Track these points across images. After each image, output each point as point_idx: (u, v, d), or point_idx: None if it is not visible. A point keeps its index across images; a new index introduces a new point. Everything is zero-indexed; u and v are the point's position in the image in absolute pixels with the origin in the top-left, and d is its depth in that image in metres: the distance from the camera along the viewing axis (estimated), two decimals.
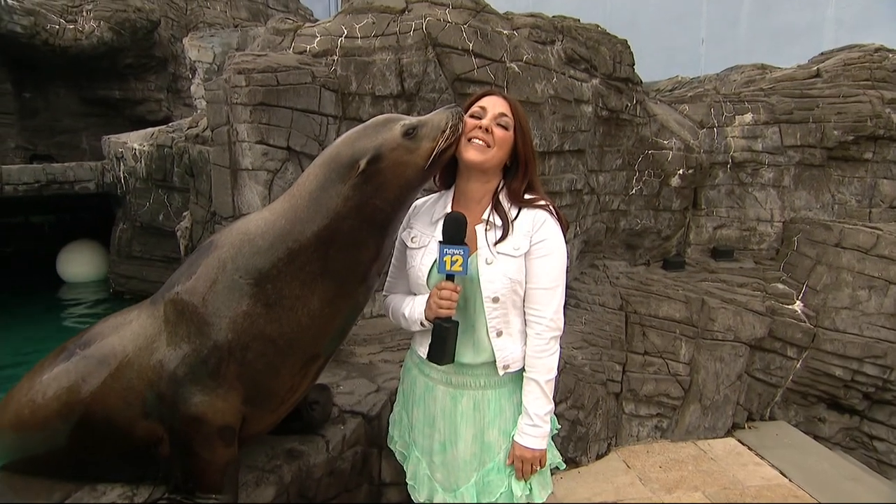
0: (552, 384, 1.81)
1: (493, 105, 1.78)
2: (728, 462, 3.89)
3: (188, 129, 4.43)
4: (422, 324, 1.79)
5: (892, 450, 4.55)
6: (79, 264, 6.71)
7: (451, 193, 1.87)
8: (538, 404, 1.79)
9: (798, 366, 4.49)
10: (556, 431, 2.02)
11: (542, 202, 1.81)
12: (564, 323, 1.86)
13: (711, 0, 10.27)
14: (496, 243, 1.74)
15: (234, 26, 8.24)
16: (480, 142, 1.74)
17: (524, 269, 1.75)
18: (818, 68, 6.06)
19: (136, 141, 5.26)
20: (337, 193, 1.73)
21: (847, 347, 4.44)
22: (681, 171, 4.87)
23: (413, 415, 1.98)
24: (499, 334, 1.79)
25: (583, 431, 3.70)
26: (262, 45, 3.49)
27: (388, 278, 2.02)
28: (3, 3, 7.36)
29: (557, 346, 1.81)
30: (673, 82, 7.76)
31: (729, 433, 4.24)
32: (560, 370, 3.54)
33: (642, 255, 4.99)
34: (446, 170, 1.88)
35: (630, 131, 4.62)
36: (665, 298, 4.27)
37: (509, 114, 1.77)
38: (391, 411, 2.17)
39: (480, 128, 1.73)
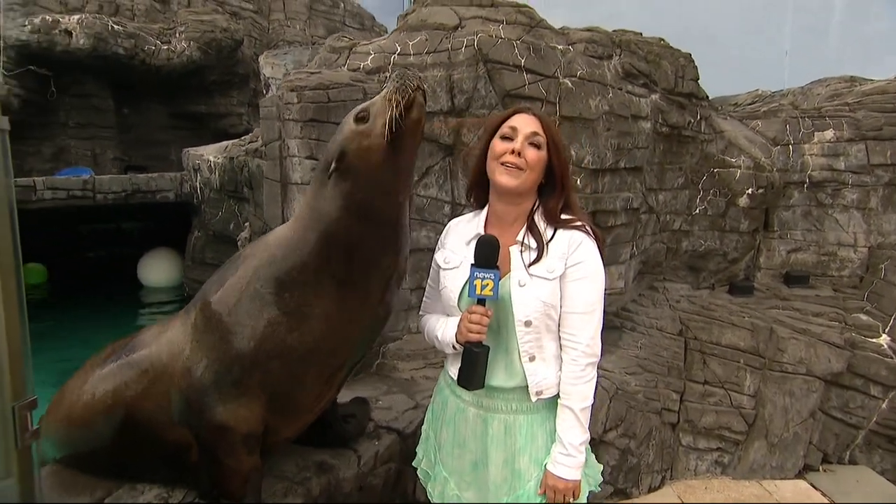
0: (588, 412, 1.71)
1: (524, 124, 1.71)
2: None
3: (249, 143, 4.60)
4: (453, 347, 1.74)
5: None
6: (157, 270, 7.09)
7: (484, 213, 1.81)
8: (573, 433, 1.70)
9: (884, 406, 4.09)
10: (598, 488, 1.90)
11: (579, 222, 1.73)
12: (602, 349, 1.76)
13: (797, 8, 9.67)
14: (530, 265, 1.67)
15: (312, 44, 8.51)
16: (511, 165, 1.67)
17: (559, 292, 1.67)
18: None
19: (211, 153, 5.50)
20: (325, 197, 1.76)
21: None
22: (750, 191, 4.59)
23: (441, 435, 1.92)
24: (531, 359, 1.71)
25: (634, 462, 3.53)
26: (319, 63, 3.56)
27: (424, 298, 1.98)
28: (109, 27, 7.94)
29: (594, 373, 1.71)
30: (752, 96, 7.37)
31: (800, 475, 3.93)
32: (611, 396, 3.44)
33: (706, 278, 4.73)
34: (480, 188, 1.83)
35: (693, 148, 4.41)
36: (729, 325, 4.02)
37: (541, 132, 1.70)
38: None
39: (513, 151, 1.67)
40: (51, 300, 7.38)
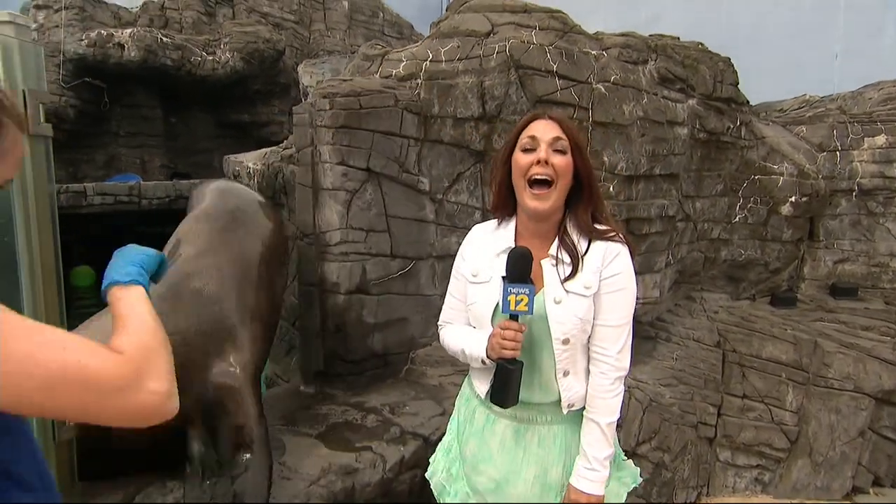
0: (614, 427, 1.67)
1: (544, 131, 1.62)
2: None
3: (283, 149, 4.67)
4: (483, 362, 1.67)
5: None
6: None
7: (512, 224, 1.73)
8: (598, 447, 1.65)
9: None
10: (635, 485, 1.86)
11: (612, 232, 1.66)
12: (632, 360, 1.71)
13: (848, 9, 9.29)
14: (565, 280, 1.61)
15: (350, 53, 8.64)
16: (542, 176, 1.59)
17: (593, 307, 1.62)
18: None
19: (250, 160, 5.60)
20: None
21: None
22: (793, 199, 4.44)
23: (467, 448, 1.84)
24: (565, 374, 1.66)
25: (668, 476, 3.44)
26: (352, 71, 3.61)
27: (444, 308, 1.90)
28: (158, 40, 8.23)
29: (622, 388, 1.67)
30: (799, 102, 7.15)
31: (848, 496, 3.77)
32: (645, 408, 3.37)
33: (746, 288, 4.59)
34: (505, 195, 1.72)
35: (733, 154, 4.29)
36: (770, 338, 3.90)
37: (563, 136, 1.62)
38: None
39: (539, 162, 1.58)
40: (99, 301, 7.65)
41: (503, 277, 1.60)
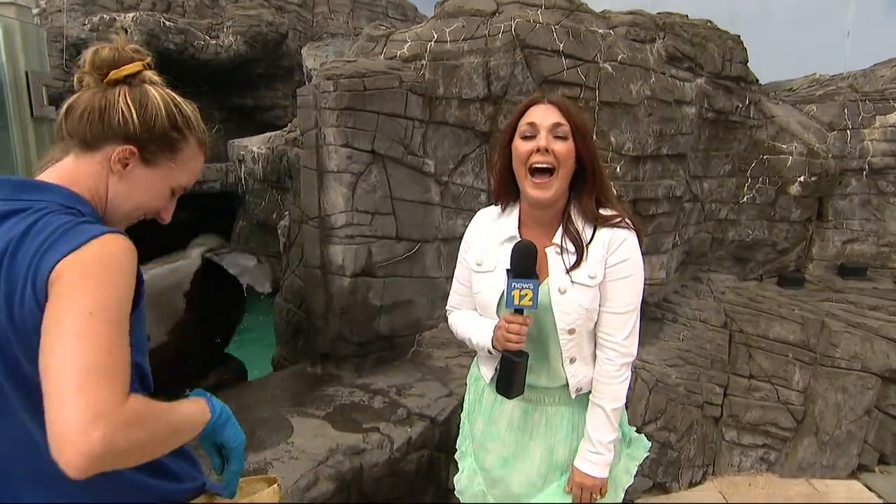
0: (619, 412, 1.68)
1: (543, 117, 1.56)
2: None
3: (288, 133, 4.66)
4: (489, 351, 1.66)
5: None
6: None
7: (516, 212, 1.70)
8: (603, 431, 1.66)
9: None
10: (647, 455, 1.89)
11: (618, 217, 1.62)
12: (639, 345, 1.70)
13: None
14: (570, 270, 1.59)
15: (354, 35, 8.57)
16: (542, 164, 1.55)
17: (599, 295, 1.60)
18: None
19: (255, 144, 5.59)
20: None
21: None
22: (802, 179, 4.40)
23: (476, 426, 1.87)
24: (572, 361, 1.66)
25: (674, 456, 3.45)
26: (356, 52, 3.58)
27: (451, 293, 1.89)
28: (161, 24, 8.18)
29: (629, 374, 1.66)
30: (809, 81, 7.06)
31: (853, 475, 3.76)
32: (651, 388, 3.37)
33: (754, 269, 4.57)
34: (506, 182, 1.68)
35: (742, 134, 4.25)
36: (777, 318, 3.87)
37: (563, 120, 1.56)
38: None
39: (538, 150, 1.53)
40: None
41: (507, 271, 1.57)
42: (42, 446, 0.96)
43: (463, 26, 3.37)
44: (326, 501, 2.22)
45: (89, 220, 1.09)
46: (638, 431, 1.93)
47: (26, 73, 1.78)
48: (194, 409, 1.15)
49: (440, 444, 2.66)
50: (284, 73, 8.78)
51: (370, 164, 3.03)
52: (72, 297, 0.94)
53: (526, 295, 1.51)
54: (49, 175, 1.12)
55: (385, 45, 3.43)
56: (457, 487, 1.96)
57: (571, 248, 1.59)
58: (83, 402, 0.89)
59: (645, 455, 1.87)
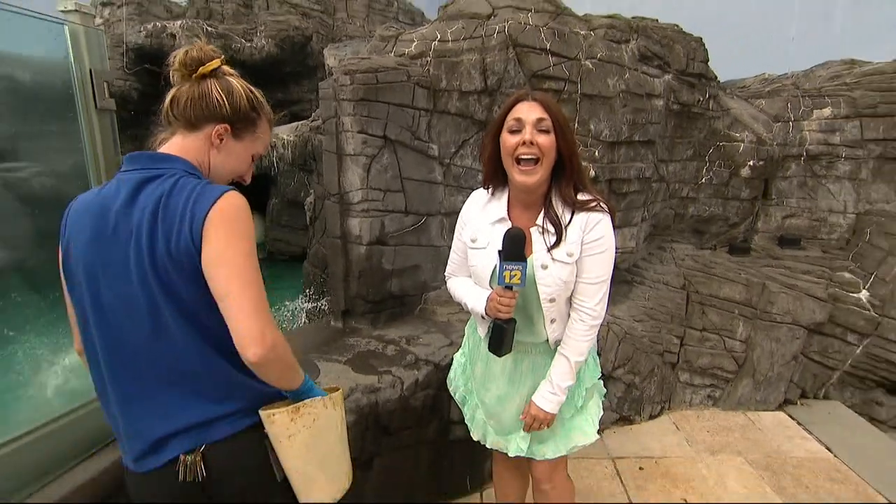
0: (580, 364, 1.68)
1: (528, 112, 1.53)
2: (774, 433, 3.46)
3: (312, 121, 4.54)
4: (482, 317, 1.67)
5: None
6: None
7: (505, 194, 1.67)
8: (563, 377, 1.67)
9: (858, 351, 3.88)
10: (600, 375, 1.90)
11: (594, 202, 1.58)
12: (609, 306, 1.71)
13: None
14: (551, 248, 1.57)
15: (369, 37, 8.35)
16: (528, 156, 1.52)
17: (576, 269, 1.59)
18: None
19: (284, 132, 5.47)
20: None
21: None
22: (751, 163, 4.30)
23: (476, 369, 1.90)
24: (552, 322, 1.66)
25: (637, 394, 3.45)
26: (370, 50, 3.44)
27: (449, 262, 1.88)
28: (204, 29, 7.95)
29: (594, 334, 1.66)
30: (759, 80, 6.89)
31: (780, 408, 3.77)
32: (620, 339, 3.33)
33: (709, 239, 4.50)
34: (494, 169, 1.65)
35: (702, 124, 4.13)
36: (727, 280, 3.83)
37: (546, 115, 1.52)
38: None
39: (524, 143, 1.51)
40: None
41: (499, 252, 1.55)
42: (182, 352, 1.14)
43: (462, 27, 3.23)
44: (348, 429, 2.20)
45: (208, 181, 1.21)
46: (608, 376, 1.94)
47: (90, 71, 1.76)
48: (300, 373, 1.27)
49: (442, 384, 2.62)
50: (309, 71, 8.58)
51: (382, 148, 2.94)
52: (230, 241, 1.09)
53: (515, 275, 1.52)
54: (166, 150, 1.22)
55: (395, 44, 3.30)
56: (466, 417, 1.99)
57: (552, 229, 1.57)
58: (260, 319, 1.09)
59: (597, 378, 1.89)
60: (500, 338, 1.59)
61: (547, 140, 1.52)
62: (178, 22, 8.00)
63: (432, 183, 3.17)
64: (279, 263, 6.12)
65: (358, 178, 2.89)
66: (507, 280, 1.53)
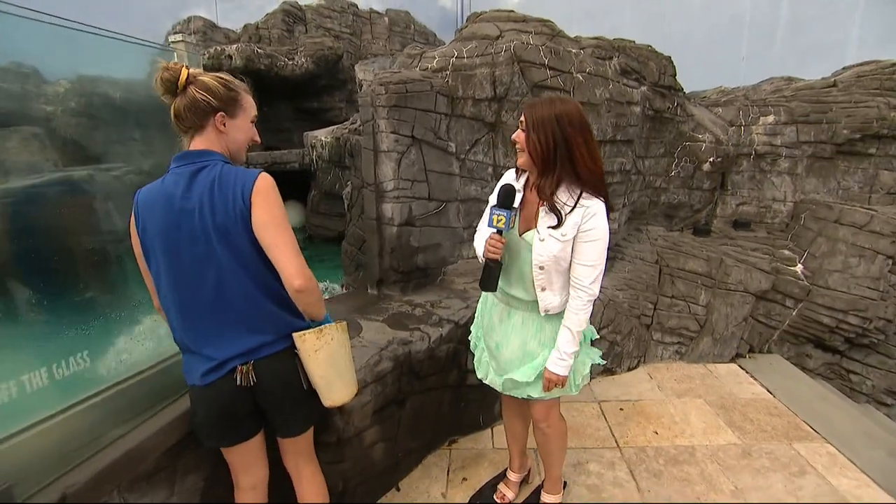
0: (580, 334, 1.67)
1: (521, 116, 1.61)
2: (727, 380, 3.49)
3: (351, 123, 4.51)
4: (481, 260, 1.71)
5: (863, 381, 3.97)
6: (290, 216, 7.18)
7: (525, 175, 1.70)
8: (567, 345, 1.67)
9: (794, 314, 3.91)
10: (593, 339, 1.89)
11: (593, 199, 1.55)
12: (601, 289, 1.76)
13: (752, 24, 8.77)
14: (549, 226, 1.57)
15: (391, 55, 8.26)
16: (517, 146, 1.60)
17: (570, 249, 1.57)
18: (835, 80, 5.05)
19: (322, 135, 5.43)
20: None
21: (835, 302, 3.81)
22: (711, 159, 4.26)
23: (483, 320, 1.93)
24: (543, 289, 1.65)
25: (618, 350, 3.47)
26: (399, 65, 3.41)
27: (480, 223, 1.91)
28: (254, 51, 7.85)
29: (591, 308, 1.65)
30: (717, 92, 6.81)
31: (732, 360, 3.80)
32: (605, 305, 3.34)
33: (677, 223, 4.49)
34: None
35: (671, 127, 4.10)
36: (692, 256, 3.83)
37: (523, 118, 1.58)
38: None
39: (514, 137, 1.62)
40: None
41: (492, 206, 1.63)
42: (238, 295, 1.27)
43: (476, 46, 3.19)
44: (387, 373, 2.22)
45: (243, 167, 1.33)
46: (596, 336, 1.94)
47: None
48: (324, 306, 1.41)
49: (461, 339, 2.65)
50: (340, 84, 8.51)
51: (410, 145, 2.92)
52: (271, 207, 1.25)
53: (500, 219, 1.58)
54: (198, 146, 1.32)
55: (420, 60, 3.26)
56: (474, 359, 2.02)
57: (553, 212, 1.57)
58: (300, 260, 1.25)
59: (597, 360, 1.86)
60: (488, 276, 1.65)
61: (522, 136, 1.58)
62: (234, 46, 7.90)
63: (451, 175, 3.16)
64: (318, 245, 6.14)
65: (391, 171, 2.87)
66: (494, 223, 1.59)
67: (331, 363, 1.39)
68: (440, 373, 2.53)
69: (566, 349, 1.67)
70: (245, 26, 8.59)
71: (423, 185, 3.02)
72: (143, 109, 1.68)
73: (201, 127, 1.31)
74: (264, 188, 1.25)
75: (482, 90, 3.10)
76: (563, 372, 1.68)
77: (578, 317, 1.64)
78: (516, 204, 1.70)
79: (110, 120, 1.64)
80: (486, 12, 3.51)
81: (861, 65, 5.33)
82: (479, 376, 1.99)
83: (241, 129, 1.36)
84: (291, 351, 1.38)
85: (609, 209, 1.60)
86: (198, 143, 1.32)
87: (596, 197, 1.57)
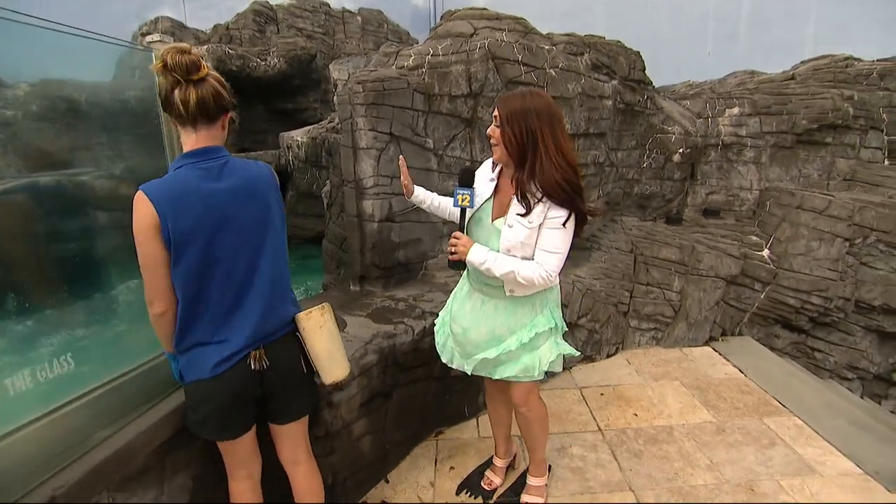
0: (505, 276, 1.65)
1: (495, 111, 1.66)
2: (702, 363, 3.63)
3: (328, 122, 4.49)
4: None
5: (826, 358, 4.18)
6: None
7: (500, 167, 1.76)
8: (501, 262, 1.63)
9: (762, 296, 4.08)
10: (564, 330, 1.92)
11: (560, 205, 1.57)
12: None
13: (717, 20, 9.10)
14: (517, 213, 1.62)
15: (365, 54, 8.22)
16: (492, 140, 1.65)
17: (535, 235, 1.61)
18: (794, 73, 5.30)
19: (298, 135, 5.40)
20: None
21: (799, 283, 4.00)
22: (681, 150, 4.41)
23: (454, 305, 1.98)
24: None
25: (597, 338, 3.56)
26: (375, 64, 3.42)
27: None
28: (226, 52, 7.70)
29: (537, 283, 1.64)
30: (685, 86, 7.03)
31: (706, 343, 3.94)
32: (583, 294, 3.43)
33: (650, 213, 4.62)
34: None
35: (642, 120, 4.22)
36: (665, 245, 3.95)
37: (497, 113, 1.63)
38: None
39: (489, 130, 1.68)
40: None
41: (455, 186, 1.69)
42: (274, 265, 1.40)
43: (451, 44, 3.23)
44: (373, 365, 2.25)
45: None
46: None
47: None
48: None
49: None
50: (314, 84, 8.43)
51: (389, 142, 2.95)
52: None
53: (465, 199, 1.65)
54: (207, 143, 1.32)
55: (396, 58, 3.29)
56: (436, 343, 2.06)
57: (522, 202, 1.61)
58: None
59: (568, 351, 1.87)
60: (456, 266, 1.72)
61: (495, 131, 1.62)
62: (205, 46, 7.73)
63: (429, 170, 3.19)
64: (298, 245, 6.08)
65: (370, 167, 2.89)
66: (459, 202, 1.66)
67: (333, 337, 1.52)
68: (425, 364, 2.56)
69: (488, 257, 1.62)
70: (215, 27, 8.42)
71: None
72: (111, 113, 1.65)
73: (213, 120, 1.30)
74: (273, 175, 1.43)
75: (458, 87, 3.15)
76: (471, 253, 1.64)
77: (525, 273, 1.59)
78: (477, 185, 1.76)
79: (76, 124, 1.60)
80: (459, 10, 3.55)
81: (817, 59, 5.61)
82: (443, 360, 2.03)
83: (227, 133, 1.41)
84: (293, 335, 1.49)
85: (580, 217, 1.60)
86: (207, 138, 1.31)
87: (559, 207, 1.57)
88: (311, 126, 5.42)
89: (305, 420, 1.59)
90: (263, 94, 8.35)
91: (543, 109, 1.57)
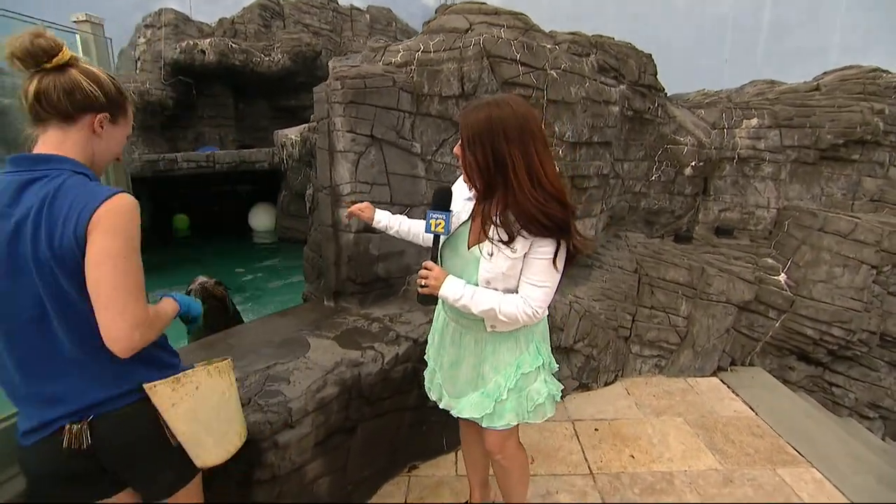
0: (491, 318, 1.43)
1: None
2: (709, 396, 3.29)
3: (311, 121, 4.24)
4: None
5: (846, 394, 3.82)
6: (260, 219, 6.90)
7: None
8: (476, 302, 1.38)
9: (777, 325, 3.74)
10: (554, 369, 1.68)
11: (552, 241, 1.32)
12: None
13: (735, 28, 8.72)
14: (499, 241, 1.35)
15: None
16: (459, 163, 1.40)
17: (519, 265, 1.37)
18: (818, 83, 4.92)
19: (292, 133, 5.17)
20: None
21: (819, 313, 3.64)
22: (693, 163, 4.07)
23: (435, 339, 1.78)
24: None
25: (595, 364, 3.25)
26: (362, 59, 3.14)
27: None
28: (229, 46, 7.53)
29: (521, 319, 1.39)
30: (699, 95, 6.67)
31: (714, 374, 3.60)
32: (581, 316, 3.11)
33: (658, 229, 4.29)
34: None
35: (652, 129, 3.89)
36: (672, 265, 3.63)
37: (461, 132, 1.34)
38: None
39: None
40: (193, 240, 7.36)
41: (429, 210, 1.44)
42: (64, 344, 1.00)
43: (443, 40, 2.95)
44: (332, 399, 1.97)
45: (96, 180, 1.03)
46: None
47: None
48: (171, 306, 1.20)
49: (420, 358, 2.40)
50: (319, 81, 8.17)
51: (369, 145, 2.67)
52: (113, 241, 0.94)
53: (440, 224, 1.42)
54: (46, 148, 1.02)
55: (383, 54, 3.01)
56: (426, 381, 1.86)
57: (504, 231, 1.35)
58: (129, 316, 0.96)
59: (556, 393, 1.63)
60: (426, 300, 1.48)
61: (459, 151, 1.39)
62: (208, 40, 7.60)
63: (415, 177, 2.91)
64: (289, 248, 5.85)
65: (347, 173, 2.62)
66: (432, 227, 1.41)
67: (193, 417, 1.15)
68: (397, 395, 2.29)
69: (464, 292, 1.40)
70: (220, 20, 8.26)
71: (384, 188, 2.76)
72: None
73: (67, 120, 1.02)
74: (109, 219, 0.95)
75: (449, 87, 2.86)
76: (444, 288, 1.41)
77: (508, 309, 1.37)
78: (454, 207, 1.49)
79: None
80: (455, 4, 3.27)
81: (844, 69, 5.22)
82: (433, 398, 1.80)
83: (117, 140, 1.13)
84: (145, 403, 1.12)
85: (572, 251, 1.35)
86: (50, 141, 1.02)
87: (544, 237, 1.32)
88: (306, 124, 5.17)
89: (183, 496, 1.24)
90: (267, 90, 8.17)
91: (512, 125, 1.27)
